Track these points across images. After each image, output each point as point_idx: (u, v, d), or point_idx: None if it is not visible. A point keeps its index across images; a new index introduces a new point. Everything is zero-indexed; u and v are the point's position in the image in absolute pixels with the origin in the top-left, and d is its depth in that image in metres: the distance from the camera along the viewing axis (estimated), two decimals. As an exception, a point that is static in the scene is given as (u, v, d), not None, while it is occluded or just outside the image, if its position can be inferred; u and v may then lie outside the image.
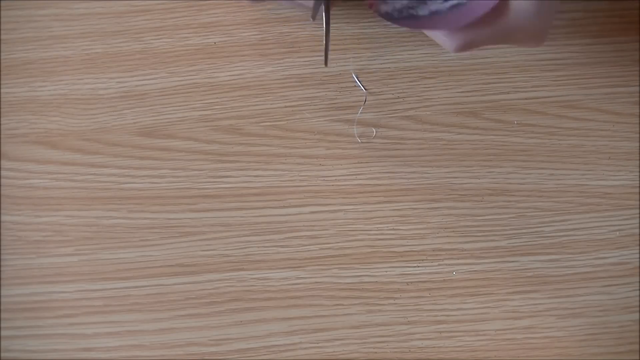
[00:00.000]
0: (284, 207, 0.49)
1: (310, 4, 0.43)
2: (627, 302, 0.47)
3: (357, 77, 0.49)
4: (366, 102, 0.49)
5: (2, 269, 0.50)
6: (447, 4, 0.39)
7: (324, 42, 0.42)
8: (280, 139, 0.49)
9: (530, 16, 0.37)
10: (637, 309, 0.47)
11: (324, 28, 0.41)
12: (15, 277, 0.50)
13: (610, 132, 0.48)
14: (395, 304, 0.48)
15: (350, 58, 0.49)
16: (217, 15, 0.50)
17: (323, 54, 0.43)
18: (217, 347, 0.49)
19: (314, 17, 0.42)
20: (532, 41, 0.40)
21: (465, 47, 0.39)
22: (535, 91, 0.48)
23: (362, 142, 0.49)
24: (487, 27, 0.38)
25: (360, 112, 0.49)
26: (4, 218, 0.50)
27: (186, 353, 0.49)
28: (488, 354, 0.47)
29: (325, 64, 0.43)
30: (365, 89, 0.49)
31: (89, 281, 0.49)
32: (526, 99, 0.48)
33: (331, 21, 0.49)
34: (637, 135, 0.48)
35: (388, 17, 0.40)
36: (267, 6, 0.50)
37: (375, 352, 0.48)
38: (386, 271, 0.48)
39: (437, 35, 0.39)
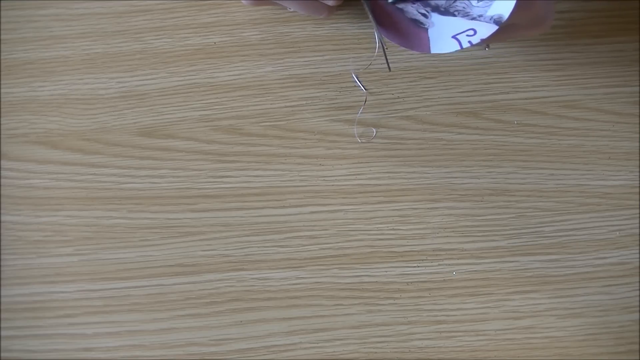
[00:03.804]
0: (284, 207, 0.49)
1: (314, 4, 0.43)
2: (627, 302, 0.47)
3: (357, 77, 0.49)
4: (366, 102, 0.49)
5: (2, 269, 0.50)
6: (429, 20, 0.40)
7: (382, 48, 0.43)
8: (280, 139, 0.49)
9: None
10: (637, 309, 0.47)
11: (375, 34, 0.43)
12: (15, 277, 0.50)
13: (610, 132, 0.48)
14: (395, 304, 0.48)
15: (350, 58, 0.49)
16: (217, 15, 0.50)
17: (384, 60, 0.44)
18: (217, 347, 0.49)
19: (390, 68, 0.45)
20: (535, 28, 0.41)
21: None
22: (535, 91, 0.48)
23: (362, 142, 0.49)
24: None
25: (360, 112, 0.49)
26: (4, 218, 0.50)
27: (186, 353, 0.49)
28: (488, 354, 0.47)
29: (389, 68, 0.45)
30: (365, 89, 0.49)
31: (89, 281, 0.49)
32: (526, 99, 0.48)
33: (331, 21, 0.49)
34: (637, 135, 0.48)
35: None
36: (268, 6, 0.50)
37: (375, 352, 0.48)
38: (386, 271, 0.48)
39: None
